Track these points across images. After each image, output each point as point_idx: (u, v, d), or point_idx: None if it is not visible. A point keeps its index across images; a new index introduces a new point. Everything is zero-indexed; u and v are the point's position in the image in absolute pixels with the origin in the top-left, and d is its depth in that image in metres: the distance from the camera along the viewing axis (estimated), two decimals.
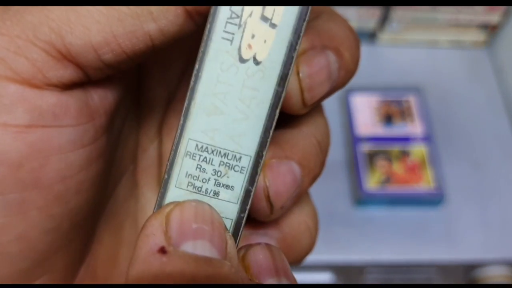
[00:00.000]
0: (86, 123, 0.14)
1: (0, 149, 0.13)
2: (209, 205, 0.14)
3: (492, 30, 0.61)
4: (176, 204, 0.13)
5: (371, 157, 0.52)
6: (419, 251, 0.50)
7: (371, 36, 0.62)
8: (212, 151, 0.14)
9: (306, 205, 0.19)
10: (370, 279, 0.52)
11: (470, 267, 0.51)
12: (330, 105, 0.58)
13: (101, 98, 0.14)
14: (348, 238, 0.50)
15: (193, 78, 0.13)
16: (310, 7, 0.13)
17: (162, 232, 0.12)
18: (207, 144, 0.14)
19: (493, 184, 0.54)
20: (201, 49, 0.13)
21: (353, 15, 0.59)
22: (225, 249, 0.13)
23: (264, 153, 0.14)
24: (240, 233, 0.14)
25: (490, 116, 0.59)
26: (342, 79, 0.16)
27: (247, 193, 0.14)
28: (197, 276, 0.12)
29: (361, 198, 0.51)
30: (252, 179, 0.14)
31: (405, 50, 0.63)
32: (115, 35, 0.13)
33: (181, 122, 0.14)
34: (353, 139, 0.53)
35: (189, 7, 0.13)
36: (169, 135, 0.19)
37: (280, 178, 0.16)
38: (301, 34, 0.13)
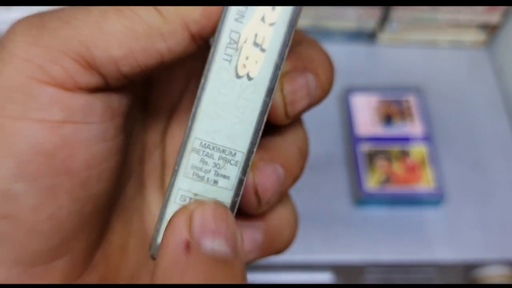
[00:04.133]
0: (108, 122, 0.17)
1: (37, 141, 0.15)
2: (225, 206, 0.17)
3: (492, 30, 0.61)
4: (199, 204, 0.16)
5: (371, 157, 0.52)
6: (419, 251, 0.50)
7: (371, 36, 0.62)
8: (213, 148, 0.17)
9: (288, 204, 0.22)
10: (370, 279, 0.52)
11: (470, 267, 0.52)
12: (330, 105, 0.58)
13: (119, 102, 0.17)
14: (348, 238, 0.50)
15: (199, 90, 0.17)
16: (291, 37, 0.17)
17: (187, 229, 0.15)
18: (209, 142, 0.17)
19: (493, 184, 0.54)
20: (206, 67, 0.17)
21: (353, 15, 0.59)
22: (235, 246, 0.16)
23: (254, 149, 0.18)
24: (234, 213, 0.18)
25: (490, 116, 0.59)
26: (318, 97, 0.20)
27: (240, 182, 0.18)
28: (215, 272, 0.15)
29: (361, 198, 0.51)
30: (244, 170, 0.18)
31: (405, 50, 0.63)
32: (132, 51, 0.16)
33: (189, 124, 0.17)
34: (353, 139, 0.54)
35: (193, 31, 0.16)
36: (171, 142, 0.22)
37: (266, 177, 0.19)
38: (284, 57, 0.17)
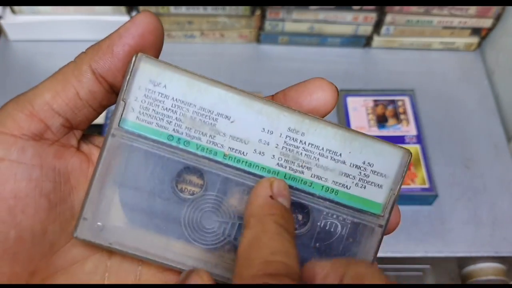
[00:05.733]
0: (35, 166, 0.21)
1: None
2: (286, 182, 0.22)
3: (484, 33, 0.63)
4: (275, 178, 0.22)
5: None
6: (413, 247, 0.51)
7: (367, 39, 0.63)
8: None
9: None
10: None
11: (463, 263, 0.53)
12: None
13: (48, 154, 0.22)
14: None
15: None
16: None
17: (270, 189, 0.22)
18: None
19: (484, 182, 0.55)
20: None
21: (349, 19, 0.60)
22: (290, 203, 0.22)
23: None
24: None
25: (482, 116, 0.60)
26: None
27: None
28: (284, 212, 0.21)
29: None
30: None
31: (399, 53, 0.64)
32: (57, 92, 0.21)
33: None
34: None
35: (94, 68, 0.22)
36: None
37: None
38: None
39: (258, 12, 0.60)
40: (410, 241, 0.52)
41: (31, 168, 0.21)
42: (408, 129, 0.56)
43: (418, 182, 0.52)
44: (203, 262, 0.23)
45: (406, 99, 0.58)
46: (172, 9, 0.59)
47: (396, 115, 0.57)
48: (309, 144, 0.23)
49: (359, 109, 0.57)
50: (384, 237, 0.56)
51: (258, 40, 0.64)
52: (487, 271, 0.52)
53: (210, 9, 0.59)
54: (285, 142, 0.23)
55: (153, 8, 0.59)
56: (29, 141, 0.21)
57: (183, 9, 0.59)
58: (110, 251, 0.23)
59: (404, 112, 0.57)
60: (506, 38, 0.61)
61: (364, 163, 0.23)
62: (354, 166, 0.23)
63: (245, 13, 0.60)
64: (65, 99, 0.21)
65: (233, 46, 0.64)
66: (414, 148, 0.54)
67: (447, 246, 0.52)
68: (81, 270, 0.23)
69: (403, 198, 0.53)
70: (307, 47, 0.64)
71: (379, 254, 0.54)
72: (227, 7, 0.59)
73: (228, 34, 0.63)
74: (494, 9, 0.59)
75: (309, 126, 0.22)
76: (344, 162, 0.23)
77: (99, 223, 0.22)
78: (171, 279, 0.23)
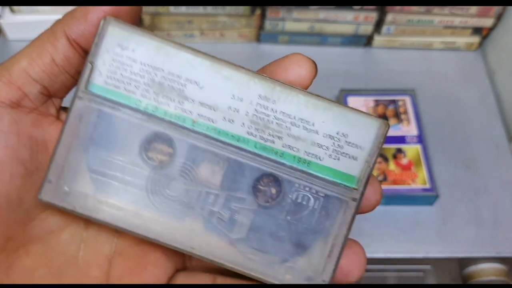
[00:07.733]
0: (12, 133, 0.21)
1: None
2: None
3: (485, 33, 0.63)
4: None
5: None
6: (414, 248, 0.51)
7: (367, 39, 0.63)
8: None
9: None
10: (365, 276, 0.53)
11: (464, 263, 0.53)
12: None
13: (26, 122, 0.22)
14: None
15: None
16: None
17: None
18: None
19: (485, 182, 0.55)
20: None
21: (349, 18, 0.60)
22: None
23: None
24: None
25: (483, 116, 0.60)
26: None
27: None
28: None
29: None
30: None
31: (400, 52, 0.64)
32: (33, 58, 0.21)
33: None
34: None
35: (68, 33, 0.21)
36: None
37: None
38: None
39: (258, 12, 0.60)
40: (411, 241, 0.51)
41: (7, 136, 0.21)
42: (409, 129, 0.55)
43: (419, 182, 0.52)
44: (171, 231, 0.22)
45: (407, 99, 0.57)
46: (172, 8, 0.59)
47: (397, 115, 0.56)
48: (280, 113, 0.22)
49: (360, 108, 0.56)
50: (385, 237, 0.55)
51: (258, 39, 0.64)
52: (488, 271, 0.52)
53: (210, 9, 0.59)
54: (255, 109, 0.22)
55: (152, 8, 0.58)
56: (6, 109, 0.21)
57: (182, 9, 0.59)
58: (87, 222, 0.23)
59: (405, 112, 0.57)
60: (507, 37, 0.61)
61: (338, 133, 0.22)
62: (328, 136, 0.22)
63: (245, 12, 0.59)
64: (41, 66, 0.21)
65: (233, 46, 0.64)
66: (415, 148, 0.54)
67: (448, 246, 0.51)
68: (56, 240, 0.23)
69: (404, 198, 0.52)
70: (307, 47, 0.64)
71: (380, 255, 0.54)
72: (227, 7, 0.59)
73: (228, 33, 0.62)
74: (495, 9, 0.59)
75: (280, 93, 0.22)
76: (317, 132, 0.22)
77: (65, 188, 0.22)
78: (146, 252, 0.23)
